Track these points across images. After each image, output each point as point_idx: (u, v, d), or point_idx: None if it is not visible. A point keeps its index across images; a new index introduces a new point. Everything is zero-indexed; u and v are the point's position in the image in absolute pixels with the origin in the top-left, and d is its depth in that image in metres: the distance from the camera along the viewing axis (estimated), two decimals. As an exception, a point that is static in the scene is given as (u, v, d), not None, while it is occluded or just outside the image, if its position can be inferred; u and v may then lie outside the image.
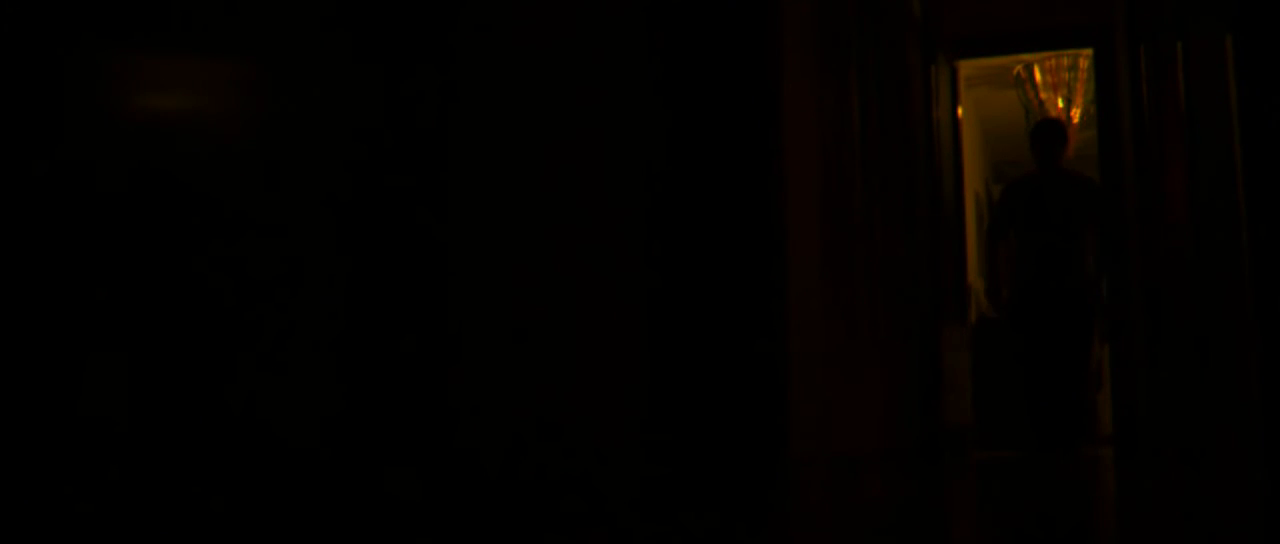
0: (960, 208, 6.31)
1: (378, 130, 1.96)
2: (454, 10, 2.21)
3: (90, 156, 1.34)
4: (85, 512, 1.32)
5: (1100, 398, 7.08)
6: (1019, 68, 8.37)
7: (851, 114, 4.29)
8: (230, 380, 1.56)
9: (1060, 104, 8.38)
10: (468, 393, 2.17)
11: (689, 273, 2.80)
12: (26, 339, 1.26)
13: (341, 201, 1.86)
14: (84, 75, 1.34)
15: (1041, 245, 5.58)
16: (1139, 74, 5.23)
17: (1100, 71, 6.28)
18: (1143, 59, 5.16)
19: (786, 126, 3.64)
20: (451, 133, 2.19)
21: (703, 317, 2.88)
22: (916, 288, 5.35)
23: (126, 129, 1.40)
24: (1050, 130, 5.73)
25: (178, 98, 1.51)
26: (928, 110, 5.78)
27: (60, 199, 1.30)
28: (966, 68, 7.19)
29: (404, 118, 2.04)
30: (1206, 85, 3.85)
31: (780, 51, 3.60)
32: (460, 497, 2.11)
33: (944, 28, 6.17)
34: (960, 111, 6.34)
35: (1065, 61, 8.28)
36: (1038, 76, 8.40)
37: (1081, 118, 8.42)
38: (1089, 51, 6.98)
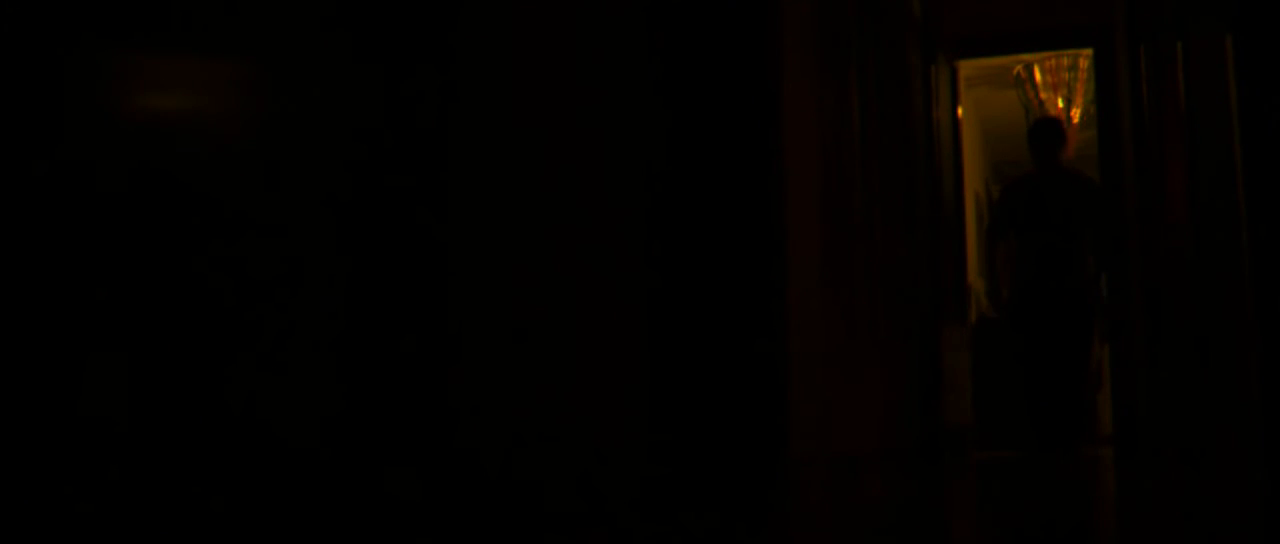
0: (960, 208, 6.31)
1: (378, 130, 1.96)
2: (454, 10, 2.21)
3: (90, 156, 1.34)
4: (85, 512, 1.32)
5: (1100, 398, 7.07)
6: (1019, 68, 8.37)
7: (851, 114, 4.29)
8: (230, 380, 1.56)
9: (1060, 104, 8.38)
10: (468, 393, 2.17)
11: (689, 273, 2.80)
12: (27, 339, 1.26)
13: (341, 201, 1.86)
14: (84, 75, 1.34)
15: (1041, 245, 5.58)
16: (1139, 74, 5.23)
17: (1100, 71, 6.28)
18: (1143, 59, 5.16)
19: (786, 126, 3.63)
20: (451, 133, 2.19)
21: (703, 317, 2.88)
22: (916, 288, 5.35)
23: (126, 129, 1.40)
24: (1048, 129, 5.72)
25: (178, 98, 1.51)
26: (928, 110, 5.78)
27: (60, 199, 1.30)
28: (966, 68, 7.19)
29: (404, 118, 2.04)
30: (1206, 85, 3.85)
31: (780, 51, 3.60)
32: (460, 497, 2.11)
33: (944, 28, 6.17)
34: (960, 111, 6.34)
35: (1065, 61, 8.28)
36: (1038, 76, 8.40)
37: (1081, 118, 8.42)
38: (1089, 51, 6.98)
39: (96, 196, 1.35)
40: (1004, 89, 8.72)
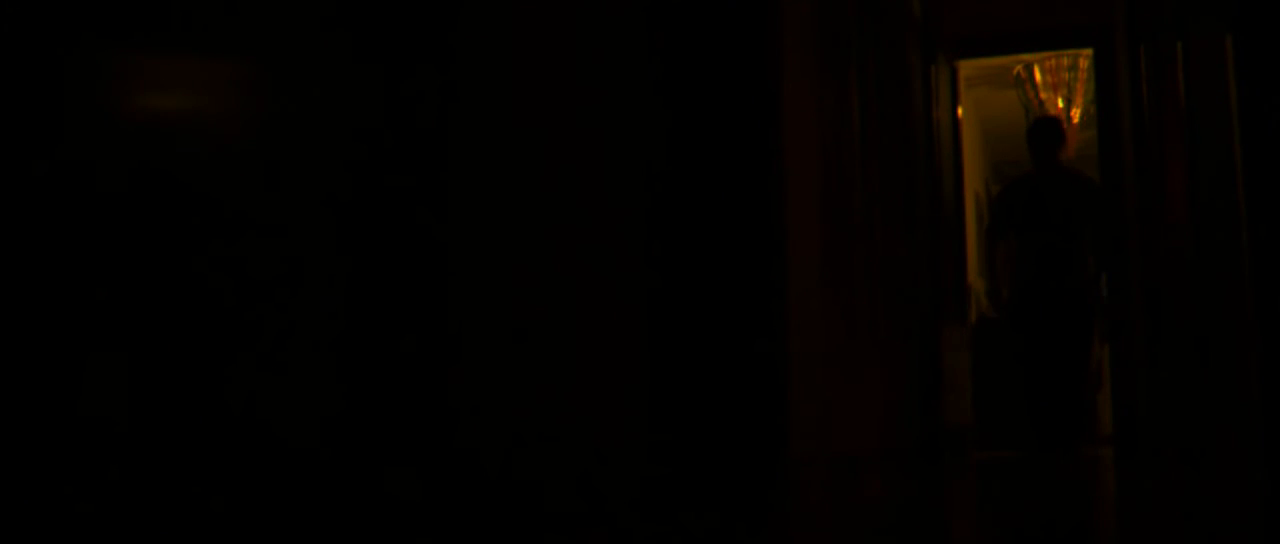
0: (960, 208, 6.31)
1: (378, 130, 1.96)
2: (454, 10, 2.21)
3: (90, 156, 1.34)
4: (85, 512, 1.32)
5: (1100, 398, 7.07)
6: (1019, 68, 8.37)
7: (851, 114, 4.29)
8: (230, 380, 1.56)
9: (1060, 104, 8.38)
10: (468, 393, 2.17)
11: (689, 273, 2.80)
12: (27, 339, 1.26)
13: (341, 201, 1.86)
14: (84, 75, 1.34)
15: (1041, 245, 5.57)
16: (1139, 74, 5.23)
17: (1100, 71, 6.28)
18: (1143, 59, 5.16)
19: (786, 126, 3.63)
20: (451, 133, 2.19)
21: (703, 316, 2.88)
22: (916, 288, 5.35)
23: (126, 129, 1.40)
24: (1047, 129, 5.72)
25: (178, 98, 1.51)
26: (928, 110, 5.78)
27: (60, 199, 1.30)
28: (966, 68, 7.18)
29: (404, 118, 2.04)
30: (1206, 85, 3.85)
31: (780, 51, 3.60)
32: (460, 497, 2.11)
33: (944, 28, 6.17)
34: (960, 111, 6.34)
35: (1065, 61, 8.28)
36: (1038, 76, 8.40)
37: (1081, 118, 8.42)
38: (1089, 51, 6.98)
39: (97, 196, 1.35)
40: (1004, 89, 8.72)
